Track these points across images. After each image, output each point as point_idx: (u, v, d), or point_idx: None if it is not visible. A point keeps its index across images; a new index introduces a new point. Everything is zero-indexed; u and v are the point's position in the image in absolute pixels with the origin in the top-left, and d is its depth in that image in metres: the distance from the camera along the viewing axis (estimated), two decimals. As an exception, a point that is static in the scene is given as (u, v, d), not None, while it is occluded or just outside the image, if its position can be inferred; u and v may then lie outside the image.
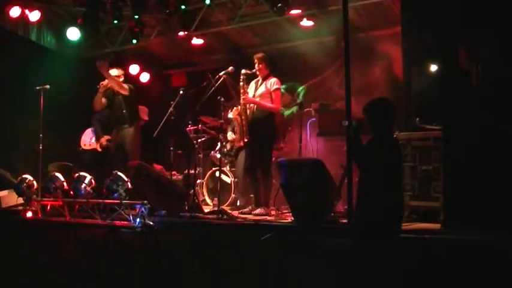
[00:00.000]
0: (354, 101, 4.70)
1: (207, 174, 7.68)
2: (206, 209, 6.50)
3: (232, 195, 7.22)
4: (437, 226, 4.72)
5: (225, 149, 7.53)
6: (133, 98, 7.21)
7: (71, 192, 6.08)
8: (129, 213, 5.50)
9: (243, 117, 6.39)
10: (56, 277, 5.44)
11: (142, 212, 5.31)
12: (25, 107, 7.70)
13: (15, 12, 8.03)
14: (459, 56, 5.06)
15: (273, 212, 6.13)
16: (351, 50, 4.74)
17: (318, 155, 6.57)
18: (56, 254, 5.54)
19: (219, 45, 9.35)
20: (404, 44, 5.83)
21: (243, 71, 6.41)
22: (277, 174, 5.99)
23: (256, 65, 6.39)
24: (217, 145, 7.55)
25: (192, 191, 6.46)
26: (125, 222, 5.40)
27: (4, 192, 7.08)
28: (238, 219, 5.81)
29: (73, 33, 8.41)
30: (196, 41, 8.74)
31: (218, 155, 7.17)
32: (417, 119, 5.34)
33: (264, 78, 6.42)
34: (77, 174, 6.14)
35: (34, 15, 8.23)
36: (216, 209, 6.25)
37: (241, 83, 6.42)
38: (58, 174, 6.31)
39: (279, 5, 7.35)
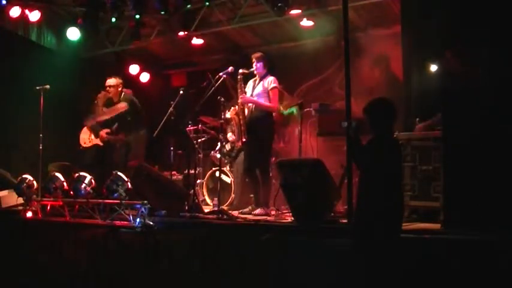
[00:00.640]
0: (354, 101, 4.70)
1: (207, 174, 7.68)
2: (206, 209, 6.50)
3: (232, 195, 7.22)
4: (437, 226, 4.71)
5: (225, 149, 7.52)
6: (135, 107, 7.28)
7: (71, 192, 6.08)
8: (129, 213, 5.50)
9: (240, 117, 6.39)
10: (56, 277, 5.45)
11: (142, 212, 5.30)
12: (25, 107, 7.70)
13: (15, 12, 8.03)
14: (449, 59, 5.07)
15: (273, 212, 6.13)
16: (351, 49, 4.74)
17: (318, 155, 6.57)
18: (56, 254, 5.55)
19: (219, 45, 9.36)
20: (404, 44, 5.83)
21: (241, 71, 6.41)
22: (277, 174, 5.99)
23: (253, 65, 6.39)
24: (217, 145, 7.55)
25: (192, 191, 6.46)
26: (125, 222, 5.39)
27: (4, 192, 7.08)
28: (238, 219, 5.81)
29: (73, 33, 8.41)
30: (196, 41, 8.75)
31: (218, 155, 7.17)
32: (417, 119, 5.34)
33: (262, 78, 6.41)
34: (77, 174, 6.14)
35: (34, 15, 8.22)
36: (216, 209, 6.25)
37: (238, 83, 6.42)
38: (58, 174, 6.31)
39: (279, 5, 7.35)
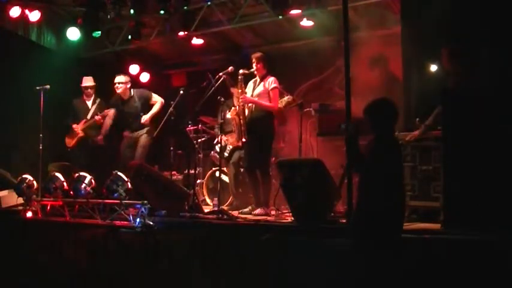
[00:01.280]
0: (354, 101, 4.69)
1: (207, 174, 7.68)
2: (206, 209, 6.50)
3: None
4: (437, 226, 4.72)
5: (218, 146, 7.40)
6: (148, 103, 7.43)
7: (71, 192, 6.08)
8: (129, 213, 5.50)
9: (241, 117, 6.39)
10: (56, 277, 5.46)
11: (142, 212, 5.31)
12: (25, 107, 7.71)
13: (15, 12, 8.03)
14: (445, 57, 5.08)
15: (273, 212, 6.13)
16: (351, 50, 4.74)
17: (318, 155, 6.57)
18: (56, 254, 5.55)
19: (219, 45, 9.35)
20: (404, 44, 5.83)
21: (241, 71, 6.41)
22: (277, 174, 5.99)
23: (254, 65, 6.39)
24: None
25: (192, 191, 6.46)
26: (125, 222, 5.40)
27: (4, 192, 7.08)
28: (238, 219, 5.82)
29: (73, 33, 8.41)
30: (196, 41, 8.74)
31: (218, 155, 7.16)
32: (417, 119, 5.34)
33: (262, 78, 6.42)
34: (77, 174, 6.15)
35: (34, 15, 8.22)
36: (216, 209, 6.25)
37: (239, 83, 6.42)
38: (58, 174, 6.31)
39: (279, 5, 7.35)
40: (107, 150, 7.81)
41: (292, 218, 5.39)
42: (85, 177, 6.03)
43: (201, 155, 8.01)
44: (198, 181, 7.64)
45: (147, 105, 7.44)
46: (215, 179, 7.38)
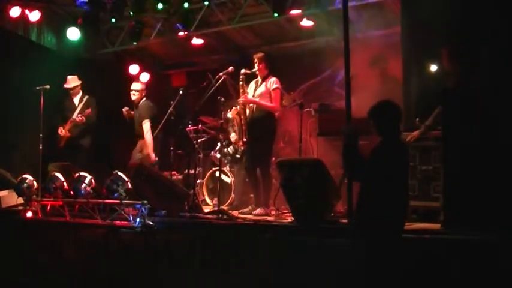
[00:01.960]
0: (354, 101, 4.69)
1: (207, 174, 7.68)
2: (206, 209, 6.50)
3: (232, 195, 7.21)
4: (437, 226, 4.71)
5: (227, 151, 7.43)
6: (152, 112, 7.46)
7: (71, 192, 6.08)
8: (129, 213, 5.50)
9: (242, 117, 6.39)
10: (56, 277, 5.46)
11: (142, 212, 5.31)
12: (25, 107, 7.70)
13: (15, 12, 8.02)
14: (445, 57, 5.07)
15: (273, 212, 6.13)
16: (351, 49, 4.74)
17: (318, 155, 6.57)
18: (56, 254, 5.55)
19: (219, 45, 9.35)
20: (404, 44, 5.83)
21: (243, 71, 6.41)
22: (277, 174, 5.99)
23: (256, 65, 6.39)
24: (217, 145, 7.55)
25: (192, 191, 6.46)
26: (125, 222, 5.39)
27: (4, 192, 7.07)
28: (238, 219, 5.81)
29: (73, 33, 8.41)
30: (196, 41, 8.74)
31: (218, 155, 7.16)
32: (417, 119, 5.34)
33: (264, 78, 6.42)
34: (77, 174, 6.14)
35: (34, 15, 8.22)
36: (216, 209, 6.25)
37: (240, 83, 6.42)
38: (58, 174, 6.31)
39: (279, 5, 7.35)
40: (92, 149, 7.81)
41: (292, 218, 5.39)
42: (85, 177, 6.03)
43: (201, 155, 8.01)
44: (198, 181, 7.64)
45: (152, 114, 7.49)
46: (215, 179, 7.38)
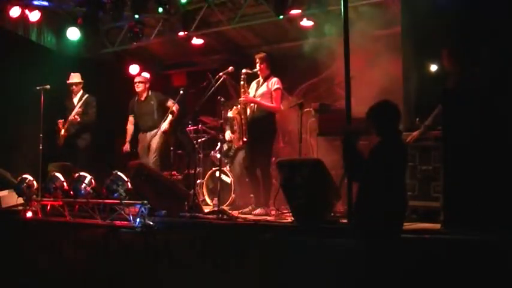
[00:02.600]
0: (354, 101, 4.69)
1: (207, 174, 7.68)
2: (206, 209, 6.50)
3: (232, 195, 7.22)
4: (437, 226, 4.72)
5: (223, 149, 7.49)
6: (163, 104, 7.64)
7: (71, 192, 6.08)
8: (129, 213, 5.49)
9: (242, 117, 6.39)
10: (56, 277, 5.45)
11: (142, 212, 5.30)
12: (25, 107, 7.70)
13: (15, 12, 8.02)
14: (445, 58, 5.07)
15: (273, 212, 6.13)
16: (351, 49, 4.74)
17: (318, 155, 6.56)
18: (56, 254, 5.55)
19: (219, 45, 9.35)
20: (404, 44, 5.83)
21: (244, 71, 6.42)
22: (277, 174, 5.99)
23: (257, 65, 6.40)
24: (217, 145, 7.55)
25: (192, 191, 6.46)
26: (125, 222, 5.39)
27: (4, 192, 7.08)
28: (238, 219, 5.82)
29: (73, 33, 8.41)
30: (196, 41, 8.74)
31: (218, 155, 7.17)
32: (417, 119, 5.34)
33: (265, 78, 6.43)
34: (77, 174, 6.14)
35: (34, 15, 8.21)
36: (216, 209, 6.25)
37: (241, 83, 6.43)
38: (58, 174, 6.31)
39: (279, 5, 7.35)
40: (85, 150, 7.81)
41: (292, 218, 5.39)
42: (85, 177, 6.02)
43: (201, 155, 8.01)
44: (198, 181, 7.65)
45: (162, 108, 7.58)
46: (215, 179, 7.38)
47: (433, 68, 5.50)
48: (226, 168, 7.41)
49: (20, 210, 6.35)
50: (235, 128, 6.73)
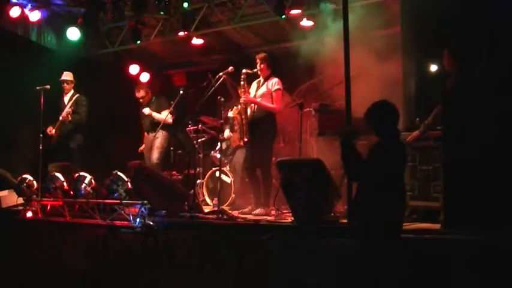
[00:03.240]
0: (354, 100, 4.69)
1: (207, 174, 7.68)
2: (206, 209, 6.50)
3: (232, 195, 7.21)
4: (437, 226, 4.72)
5: (222, 149, 7.49)
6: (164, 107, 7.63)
7: (71, 192, 6.09)
8: (129, 213, 5.50)
9: (243, 117, 6.39)
10: (56, 277, 5.45)
11: (142, 212, 5.31)
12: (25, 107, 7.70)
13: (15, 12, 8.02)
14: (446, 58, 5.07)
15: (273, 212, 6.13)
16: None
17: (318, 155, 6.56)
18: (56, 254, 5.54)
19: (219, 45, 9.35)
20: (404, 44, 5.83)
21: (244, 71, 6.42)
22: (277, 174, 5.99)
23: (258, 65, 6.40)
24: (217, 145, 7.55)
25: (192, 191, 6.46)
26: (125, 222, 5.40)
27: (4, 192, 7.08)
28: (238, 219, 5.81)
29: (73, 33, 8.41)
30: (196, 41, 8.74)
31: (218, 155, 7.17)
32: (417, 119, 5.34)
33: (266, 79, 6.43)
34: (77, 174, 6.15)
35: (34, 15, 8.22)
36: (216, 209, 6.25)
37: (242, 83, 6.43)
38: (58, 174, 6.32)
39: (279, 5, 7.35)
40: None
41: (292, 218, 5.39)
42: (85, 177, 6.04)
43: (201, 155, 8.01)
44: (198, 181, 7.65)
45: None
46: (215, 179, 7.38)
47: (433, 68, 5.50)
48: (226, 168, 7.41)
49: (20, 210, 6.36)
50: (236, 128, 6.73)
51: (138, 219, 5.28)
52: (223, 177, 7.13)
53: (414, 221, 5.07)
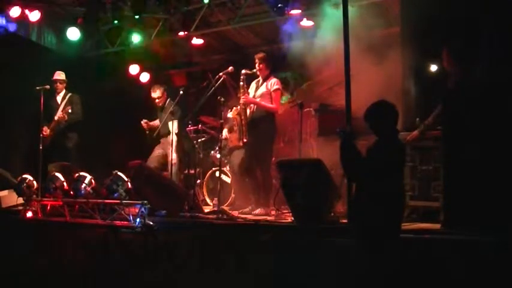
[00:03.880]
0: (354, 100, 4.69)
1: (207, 174, 7.68)
2: (206, 209, 6.50)
3: (232, 195, 7.22)
4: (437, 226, 4.72)
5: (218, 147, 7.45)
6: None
7: (71, 192, 6.08)
8: (129, 213, 5.50)
9: (242, 117, 6.39)
10: (56, 277, 5.45)
11: (142, 212, 5.31)
12: (25, 107, 7.70)
13: (15, 12, 8.02)
14: (443, 58, 5.08)
15: (273, 212, 6.13)
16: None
17: (318, 155, 6.56)
18: (56, 254, 5.54)
19: (219, 45, 9.35)
20: (404, 44, 5.83)
21: (243, 71, 6.42)
22: (277, 174, 5.99)
23: (257, 65, 6.40)
24: (217, 145, 7.55)
25: (192, 191, 6.46)
26: (125, 222, 5.40)
27: (4, 192, 7.08)
28: (238, 219, 5.82)
29: (73, 33, 8.41)
30: (196, 41, 8.73)
31: (218, 155, 7.17)
32: (417, 119, 5.34)
33: (265, 79, 6.43)
34: (77, 174, 6.14)
35: (34, 15, 8.21)
36: (216, 209, 6.25)
37: (241, 83, 6.43)
38: (58, 174, 6.31)
39: (279, 5, 7.34)
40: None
41: (292, 218, 5.39)
42: (85, 177, 6.03)
43: (201, 155, 8.01)
44: (198, 181, 7.64)
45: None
46: (215, 179, 7.38)
47: (433, 68, 5.50)
48: (226, 168, 7.41)
49: (20, 210, 6.35)
50: (235, 128, 6.73)
51: (138, 219, 5.27)
52: (223, 177, 7.13)
53: (414, 221, 5.07)
